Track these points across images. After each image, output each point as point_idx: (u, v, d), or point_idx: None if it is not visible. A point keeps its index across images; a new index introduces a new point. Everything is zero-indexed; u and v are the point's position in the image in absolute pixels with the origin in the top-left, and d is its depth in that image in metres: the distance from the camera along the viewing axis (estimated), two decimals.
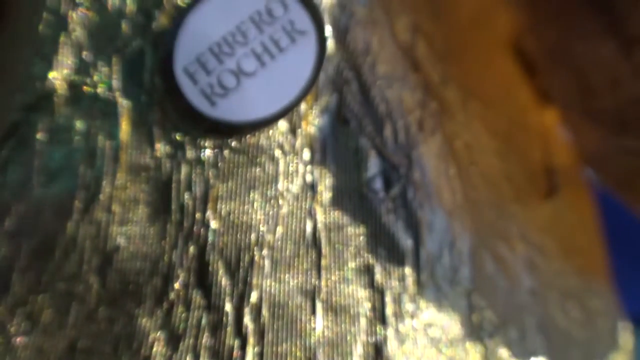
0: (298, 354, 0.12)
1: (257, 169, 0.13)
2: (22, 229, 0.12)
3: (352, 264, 0.13)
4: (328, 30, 0.13)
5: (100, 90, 0.13)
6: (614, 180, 0.18)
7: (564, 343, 0.15)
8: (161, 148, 0.13)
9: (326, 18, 0.13)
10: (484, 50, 0.17)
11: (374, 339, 0.12)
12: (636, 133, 0.15)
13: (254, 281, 0.12)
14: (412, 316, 0.12)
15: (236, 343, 0.12)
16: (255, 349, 0.12)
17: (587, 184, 0.19)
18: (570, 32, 0.16)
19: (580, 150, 0.18)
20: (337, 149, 0.13)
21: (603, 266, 0.18)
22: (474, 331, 0.13)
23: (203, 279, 0.12)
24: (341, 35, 0.13)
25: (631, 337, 0.18)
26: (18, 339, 0.12)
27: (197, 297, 0.12)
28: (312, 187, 0.13)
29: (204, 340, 0.12)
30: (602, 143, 0.17)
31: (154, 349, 0.11)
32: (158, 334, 0.12)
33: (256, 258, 0.12)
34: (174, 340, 0.12)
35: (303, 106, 0.13)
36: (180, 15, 0.13)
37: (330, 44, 0.13)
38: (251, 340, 0.12)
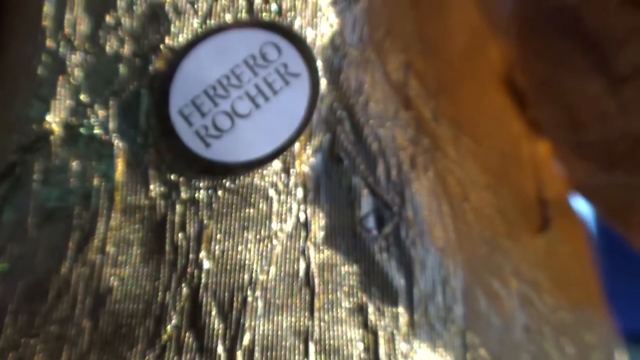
0: None
1: (251, 209, 0.13)
2: (16, 270, 0.13)
3: (345, 304, 0.13)
4: (321, 71, 0.14)
5: (96, 131, 0.13)
6: (606, 211, 0.19)
7: None
8: (156, 188, 0.13)
9: (319, 59, 0.14)
10: (476, 85, 0.17)
11: None
12: (625, 168, 0.16)
13: (247, 323, 0.12)
14: (406, 357, 0.12)
15: None
16: None
17: (580, 215, 0.19)
18: (559, 68, 0.16)
19: (571, 182, 0.19)
20: (330, 187, 0.13)
21: (598, 297, 0.18)
22: None
23: (196, 320, 0.12)
24: (334, 75, 0.14)
25: None
26: None
27: (189, 339, 0.12)
28: (305, 226, 0.13)
29: None
30: (593, 177, 0.17)
31: None
32: None
33: (249, 299, 0.12)
34: None
35: (296, 146, 0.13)
36: (176, 59, 0.13)
37: (323, 84, 0.14)
38: None
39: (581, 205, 0.19)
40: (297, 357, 0.12)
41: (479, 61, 0.18)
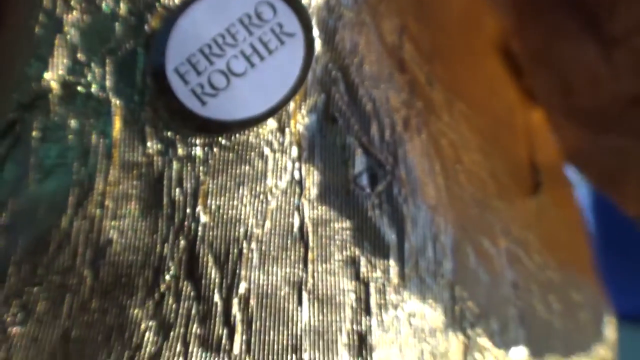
0: (284, 342, 0.12)
1: (246, 166, 0.13)
2: (18, 223, 0.13)
3: (338, 257, 0.13)
4: (316, 32, 0.14)
5: (93, 90, 0.13)
6: (597, 177, 0.19)
7: (545, 334, 0.15)
8: (153, 146, 0.13)
9: (314, 20, 0.14)
10: (471, 52, 0.17)
11: (358, 328, 0.13)
12: (616, 131, 0.16)
13: (243, 273, 0.12)
14: (396, 307, 0.13)
15: (225, 332, 0.12)
16: (243, 337, 0.12)
17: (571, 181, 0.19)
18: (553, 35, 0.17)
19: (563, 148, 0.19)
20: (324, 146, 0.14)
21: (586, 261, 0.18)
22: (456, 321, 0.13)
23: (193, 271, 0.12)
24: (329, 36, 0.14)
25: (615, 331, 0.19)
26: (14, 329, 0.12)
27: (187, 289, 0.12)
28: (299, 183, 0.13)
29: (193, 330, 0.12)
30: (584, 142, 0.17)
31: (145, 337, 0.12)
32: (149, 324, 0.12)
33: (245, 251, 0.13)
34: (164, 330, 0.12)
35: (292, 105, 0.13)
36: (171, 18, 0.13)
37: (318, 45, 0.14)
38: (239, 329, 0.12)
39: (574, 176, 0.20)
40: (291, 305, 0.12)
41: (475, 29, 0.18)
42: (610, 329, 0.19)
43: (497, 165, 0.16)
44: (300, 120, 0.14)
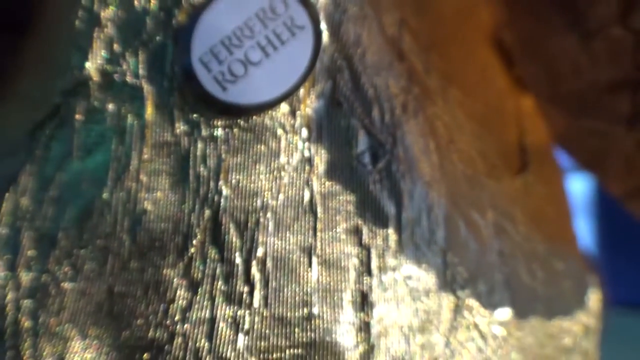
0: (297, 298, 0.14)
1: (262, 145, 0.15)
2: (65, 195, 0.15)
3: (343, 226, 0.15)
4: (323, 25, 0.15)
5: (128, 78, 0.15)
6: (582, 158, 0.20)
7: (528, 298, 0.17)
8: (180, 127, 0.15)
9: (322, 14, 0.15)
10: (465, 43, 0.19)
11: (361, 287, 0.14)
12: (594, 115, 0.17)
13: (260, 239, 0.14)
14: (394, 270, 0.14)
15: (245, 289, 0.14)
16: (262, 293, 0.14)
17: (558, 162, 0.21)
18: (541, 27, 0.18)
19: (551, 132, 0.20)
20: (331, 128, 0.15)
21: (570, 235, 0.20)
22: (447, 284, 0.15)
23: (217, 237, 0.14)
24: (335, 29, 0.15)
25: (599, 300, 0.20)
26: (65, 284, 0.14)
27: (212, 252, 0.14)
28: (309, 161, 0.15)
29: (218, 287, 0.14)
30: (569, 126, 0.19)
31: (177, 293, 0.14)
32: (180, 282, 0.14)
33: (261, 220, 0.14)
34: (193, 287, 0.14)
35: (301, 91, 0.15)
36: (196, 13, 0.15)
37: (325, 37, 0.15)
38: (258, 286, 0.14)
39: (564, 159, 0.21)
40: (302, 267, 0.14)
41: (469, 21, 0.19)
42: (594, 300, 0.20)
43: (487, 146, 0.18)
44: (310, 104, 0.15)
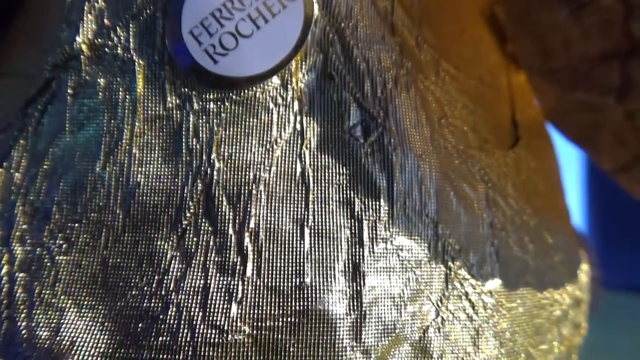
0: (289, 268, 0.14)
1: (254, 119, 0.15)
2: (58, 169, 0.15)
3: (335, 198, 0.15)
4: None
5: (119, 51, 0.15)
6: (573, 134, 0.20)
7: (519, 270, 0.17)
8: (172, 100, 0.15)
9: None
10: (458, 18, 0.19)
11: (352, 258, 0.14)
12: (585, 88, 0.17)
13: (253, 211, 0.14)
14: (386, 241, 0.15)
15: (238, 259, 0.14)
16: (255, 263, 0.14)
17: (550, 137, 0.21)
18: (532, 1, 0.18)
19: (543, 108, 0.20)
20: (323, 101, 0.15)
21: (562, 209, 0.20)
22: (439, 255, 0.15)
23: (210, 209, 0.14)
24: (326, 1, 0.15)
25: (588, 273, 0.21)
26: (60, 257, 0.14)
27: (205, 224, 0.14)
28: (301, 134, 0.15)
29: (212, 258, 0.14)
30: (560, 100, 0.19)
31: (171, 265, 0.14)
32: (174, 253, 0.14)
33: (254, 192, 0.14)
34: (187, 258, 0.14)
35: (293, 64, 0.15)
36: None
37: (316, 9, 0.15)
38: (251, 257, 0.14)
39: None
40: (294, 238, 0.14)
41: None
42: (583, 274, 0.20)
43: (480, 121, 0.18)
44: (301, 77, 0.15)
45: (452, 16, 0.19)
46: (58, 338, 0.13)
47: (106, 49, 0.15)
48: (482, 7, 0.20)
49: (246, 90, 0.15)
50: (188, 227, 0.14)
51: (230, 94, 0.15)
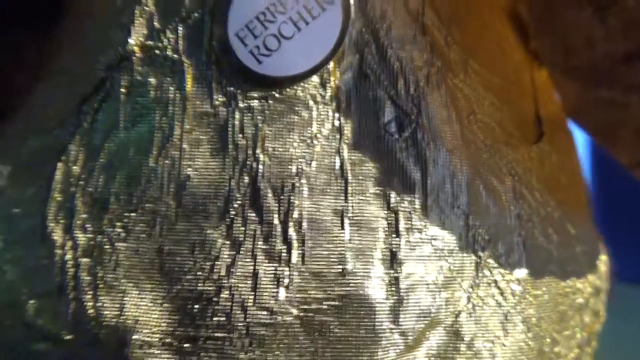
0: (331, 255, 0.15)
1: (295, 116, 0.16)
2: (114, 163, 0.16)
3: (372, 190, 0.16)
4: (351, 0, 0.16)
5: (169, 52, 0.16)
6: (594, 130, 0.21)
7: (544, 259, 0.18)
8: (219, 98, 0.16)
9: None
10: (483, 17, 0.20)
11: (390, 246, 0.15)
12: (607, 84, 0.18)
13: (296, 202, 0.15)
14: (420, 231, 0.15)
15: (284, 247, 0.15)
16: (299, 251, 0.15)
17: (571, 132, 0.22)
18: (555, 1, 0.18)
19: (564, 104, 0.21)
20: (359, 99, 0.16)
21: (583, 202, 0.21)
22: (470, 245, 0.16)
23: (255, 201, 0.15)
24: (362, 4, 0.16)
25: (607, 264, 0.21)
26: (119, 244, 0.15)
27: (251, 215, 0.15)
28: (339, 130, 0.16)
29: (259, 246, 0.15)
30: (581, 97, 0.20)
31: (221, 251, 0.15)
32: (224, 241, 0.15)
33: (296, 185, 0.15)
34: (236, 246, 0.15)
35: (331, 64, 0.16)
36: None
37: (353, 12, 0.16)
38: (295, 245, 0.15)
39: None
40: (335, 228, 0.15)
41: None
42: (603, 264, 0.21)
43: (505, 116, 0.19)
44: (339, 76, 0.16)
45: (478, 16, 0.19)
46: (123, 317, 0.14)
47: (156, 51, 0.16)
48: (505, 7, 0.20)
49: (288, 89, 0.16)
50: (236, 217, 0.15)
51: (273, 92, 0.16)
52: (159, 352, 0.14)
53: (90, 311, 0.14)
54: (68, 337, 0.14)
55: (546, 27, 0.19)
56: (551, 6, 0.18)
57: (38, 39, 0.20)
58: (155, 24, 0.16)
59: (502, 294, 0.16)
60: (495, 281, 0.16)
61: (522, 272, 0.17)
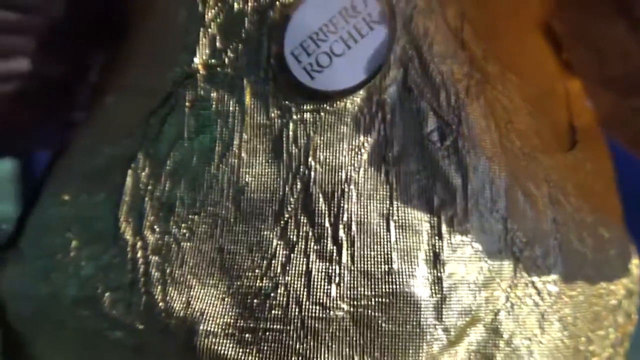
0: (379, 255, 0.16)
1: (345, 127, 0.17)
2: (179, 169, 0.17)
3: (416, 196, 0.17)
4: (397, 19, 0.17)
5: (229, 70, 0.17)
6: (627, 139, 0.22)
7: (579, 262, 0.18)
8: (274, 111, 0.17)
9: (396, 10, 0.17)
10: (518, 31, 0.20)
11: (433, 248, 0.16)
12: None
13: (345, 207, 0.16)
14: (462, 233, 0.16)
15: (335, 248, 0.16)
16: (349, 251, 0.16)
17: (604, 140, 0.22)
18: (589, 15, 0.19)
19: (598, 113, 0.22)
20: (403, 111, 0.17)
21: (615, 207, 0.21)
22: (508, 247, 0.17)
23: (308, 205, 0.16)
24: (406, 23, 0.17)
25: (639, 266, 0.22)
26: (184, 244, 0.16)
27: (304, 218, 0.16)
28: (385, 139, 0.17)
29: (311, 246, 0.16)
30: (615, 105, 0.20)
31: (277, 251, 0.16)
32: (279, 242, 0.16)
33: (346, 190, 0.16)
34: (290, 246, 0.16)
35: (378, 78, 0.17)
36: (288, 13, 0.17)
37: (398, 30, 0.17)
38: (345, 245, 0.16)
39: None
40: (382, 230, 0.16)
41: (521, 11, 0.21)
42: (635, 268, 0.22)
43: (541, 125, 0.19)
44: (385, 90, 0.17)
45: (513, 31, 0.20)
46: (190, 309, 0.16)
47: (218, 68, 0.17)
48: (539, 21, 0.21)
49: (338, 102, 0.17)
50: (289, 220, 0.16)
51: (325, 105, 0.17)
52: (223, 341, 0.15)
53: (160, 304, 0.16)
54: (140, 326, 0.16)
55: (581, 40, 0.20)
56: (586, 21, 0.19)
57: (98, 58, 0.22)
58: (218, 44, 0.17)
59: (539, 294, 0.17)
60: (533, 282, 0.17)
61: (558, 274, 0.18)
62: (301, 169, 0.16)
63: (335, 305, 0.15)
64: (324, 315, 0.15)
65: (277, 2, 0.17)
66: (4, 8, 0.20)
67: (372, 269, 0.16)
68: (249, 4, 0.17)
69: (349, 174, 0.16)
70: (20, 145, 0.24)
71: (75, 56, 0.22)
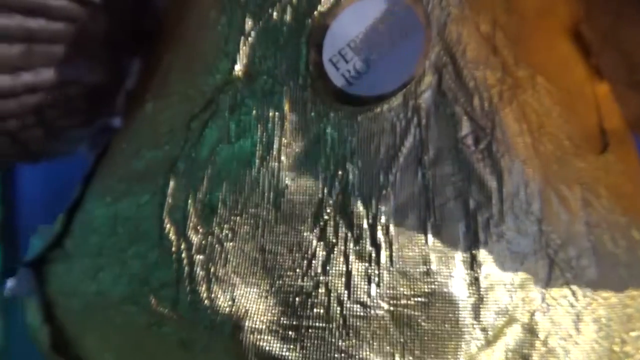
0: (416, 256, 0.16)
1: (381, 131, 0.17)
2: (221, 172, 0.18)
3: (452, 198, 0.17)
4: (432, 27, 0.17)
5: (269, 76, 0.18)
6: None
7: (612, 263, 0.18)
8: (313, 116, 0.17)
9: (431, 18, 0.17)
10: (548, 36, 0.21)
11: (470, 249, 0.16)
12: None
13: (383, 209, 0.17)
14: (497, 235, 0.17)
15: (373, 249, 0.16)
16: (387, 252, 0.16)
17: (634, 143, 0.22)
18: (619, 20, 0.20)
19: (627, 116, 0.22)
20: (438, 115, 0.18)
21: None
22: (543, 249, 0.17)
23: (346, 207, 0.17)
24: (441, 29, 0.18)
25: None
26: (227, 244, 0.17)
27: (342, 219, 0.17)
28: (420, 143, 0.17)
29: (350, 247, 0.16)
30: None
31: (317, 251, 0.16)
32: (319, 243, 0.16)
33: (383, 192, 0.17)
34: (329, 247, 0.16)
35: (413, 84, 0.18)
36: (326, 21, 0.17)
37: (433, 37, 0.18)
38: (383, 247, 0.16)
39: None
40: (419, 232, 0.17)
41: (550, 16, 0.21)
42: None
43: (572, 129, 0.20)
44: (420, 95, 0.17)
45: (542, 35, 0.20)
46: (234, 306, 0.16)
47: (258, 75, 0.18)
48: (568, 26, 0.22)
49: (375, 107, 0.17)
50: (328, 221, 0.17)
51: (362, 110, 0.17)
52: (267, 337, 0.16)
53: (206, 301, 0.16)
54: (186, 322, 0.17)
55: (610, 45, 0.20)
56: (615, 26, 0.19)
57: (134, 65, 0.23)
58: (257, 52, 0.18)
59: (574, 294, 0.17)
60: (567, 283, 0.17)
61: (592, 275, 0.18)
62: (339, 172, 0.17)
63: (375, 304, 0.16)
64: (365, 314, 0.16)
65: (316, 11, 0.17)
66: (47, 18, 0.20)
67: (411, 270, 0.16)
68: (288, 12, 0.18)
69: (386, 176, 0.17)
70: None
71: (113, 64, 0.23)
